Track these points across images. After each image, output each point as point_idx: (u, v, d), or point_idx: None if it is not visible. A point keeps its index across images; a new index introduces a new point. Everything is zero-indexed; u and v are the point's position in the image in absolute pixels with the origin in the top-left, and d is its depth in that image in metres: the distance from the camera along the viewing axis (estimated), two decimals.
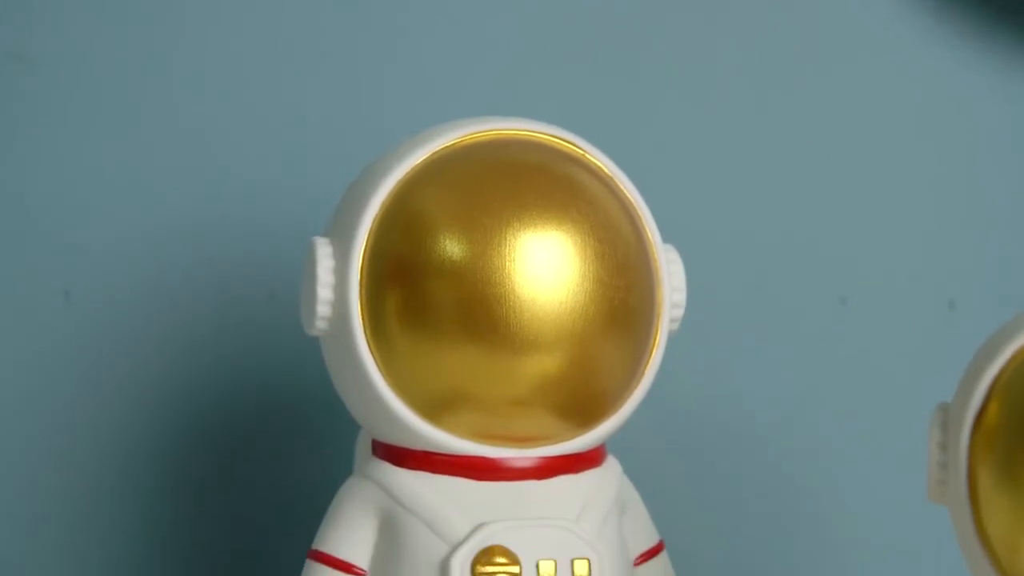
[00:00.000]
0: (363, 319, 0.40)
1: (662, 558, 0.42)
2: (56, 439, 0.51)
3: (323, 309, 0.40)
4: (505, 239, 0.39)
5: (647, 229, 0.41)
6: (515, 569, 0.39)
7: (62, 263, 0.51)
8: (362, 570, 0.40)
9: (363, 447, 0.42)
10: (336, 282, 0.40)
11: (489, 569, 0.39)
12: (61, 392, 0.51)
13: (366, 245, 0.40)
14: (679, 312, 0.42)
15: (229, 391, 0.51)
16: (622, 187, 0.41)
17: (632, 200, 0.41)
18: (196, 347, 0.51)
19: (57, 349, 0.51)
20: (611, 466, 0.42)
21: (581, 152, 0.41)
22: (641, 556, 0.42)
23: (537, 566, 0.39)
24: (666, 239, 0.42)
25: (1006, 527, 0.32)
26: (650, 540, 0.42)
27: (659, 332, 0.41)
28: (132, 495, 0.51)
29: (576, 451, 0.41)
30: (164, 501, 0.51)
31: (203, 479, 0.51)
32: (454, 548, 0.39)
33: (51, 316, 0.51)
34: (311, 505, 0.44)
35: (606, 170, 0.41)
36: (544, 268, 0.39)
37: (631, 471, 0.42)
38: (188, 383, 0.51)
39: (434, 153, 0.40)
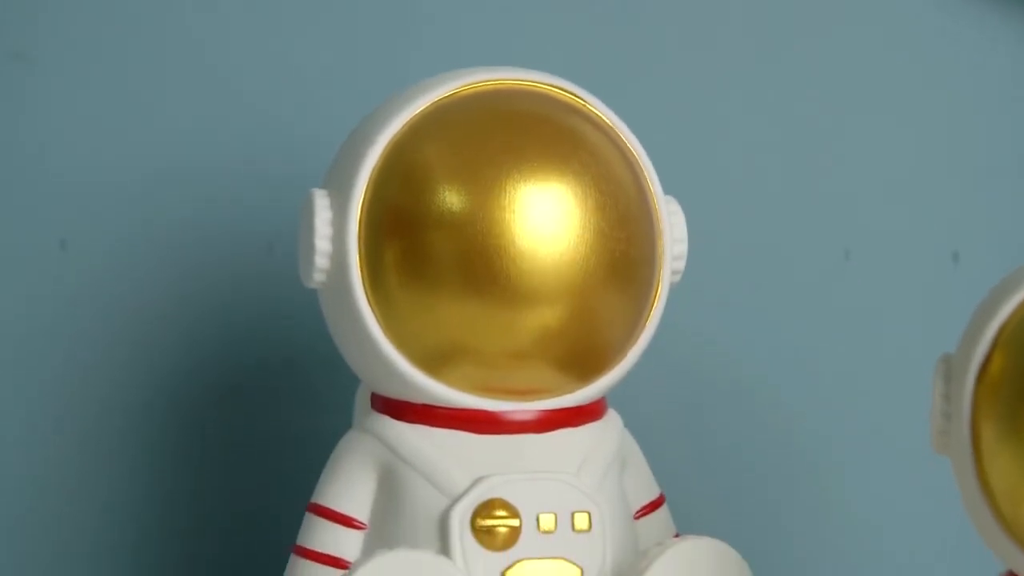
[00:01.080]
0: (362, 271, 0.39)
1: (663, 512, 0.42)
2: (53, 389, 0.51)
3: (321, 261, 0.40)
4: (505, 190, 0.39)
5: (648, 180, 0.41)
6: (515, 522, 0.38)
7: (58, 212, 0.51)
8: (362, 523, 0.40)
9: (362, 400, 0.42)
10: (334, 234, 0.40)
11: (489, 522, 0.38)
12: (57, 343, 0.51)
13: (364, 197, 0.40)
14: (680, 264, 0.42)
15: (227, 344, 0.51)
16: (623, 138, 0.41)
17: (633, 151, 0.41)
18: (193, 299, 0.51)
19: (53, 299, 0.51)
20: (612, 419, 0.42)
21: (582, 102, 0.41)
22: (641, 510, 0.42)
23: (537, 519, 0.39)
24: (667, 190, 0.42)
25: (1009, 478, 0.32)
26: (650, 494, 0.42)
27: (660, 284, 0.41)
28: (130, 448, 0.51)
29: (576, 404, 0.41)
30: (162, 454, 0.51)
31: (202, 432, 0.51)
32: (454, 501, 0.39)
33: (47, 265, 0.51)
34: (310, 459, 0.44)
35: (607, 121, 0.41)
36: (544, 220, 0.39)
37: (632, 425, 0.42)
38: (185, 336, 0.51)
39: (433, 104, 0.40)
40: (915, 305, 0.54)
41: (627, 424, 0.42)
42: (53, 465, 0.51)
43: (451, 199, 0.39)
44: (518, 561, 0.38)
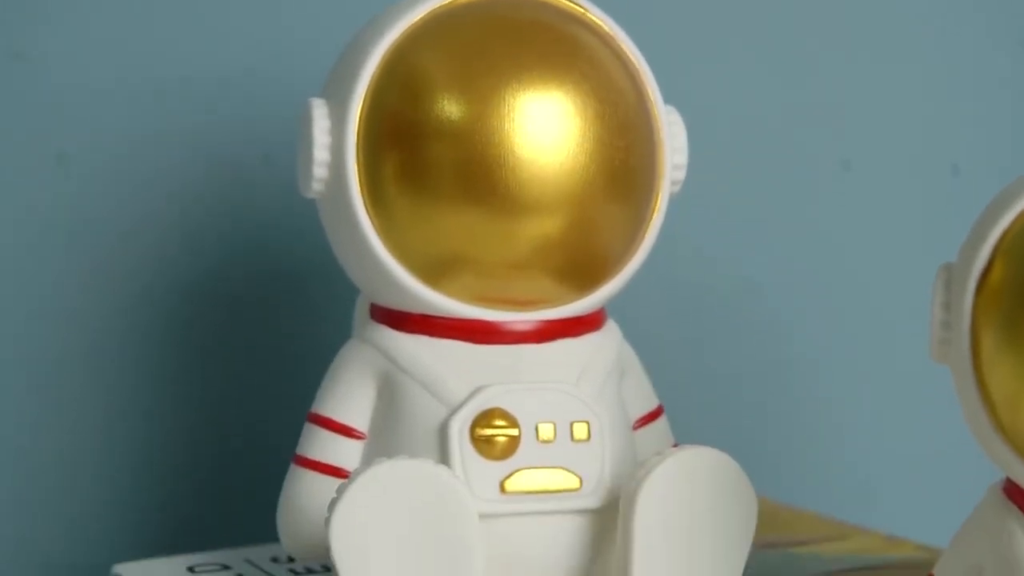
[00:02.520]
0: (360, 181, 0.39)
1: (661, 422, 0.42)
2: (51, 303, 0.51)
3: (319, 171, 0.40)
4: (504, 99, 0.39)
5: (648, 89, 0.41)
6: (514, 432, 0.39)
7: (55, 126, 0.50)
8: (361, 433, 0.40)
9: (361, 311, 0.42)
10: (332, 143, 0.39)
11: (488, 432, 0.38)
12: (55, 256, 0.51)
13: (363, 106, 0.39)
14: (680, 174, 0.42)
15: (225, 256, 0.51)
16: (623, 47, 0.41)
17: (633, 60, 0.41)
18: (189, 211, 0.51)
19: (50, 213, 0.50)
20: (611, 330, 0.42)
21: (582, 10, 0.41)
22: (640, 420, 0.42)
23: (536, 429, 0.39)
24: (667, 100, 0.41)
25: (1008, 387, 0.32)
26: (649, 404, 0.42)
27: (660, 194, 0.41)
28: (128, 361, 0.51)
29: (575, 315, 0.40)
30: (162, 366, 0.51)
31: (201, 344, 0.51)
32: (453, 411, 0.39)
33: (45, 179, 0.50)
34: (310, 369, 0.44)
35: (607, 29, 0.41)
36: (544, 129, 0.39)
37: (631, 335, 0.42)
38: (182, 248, 0.51)
39: (432, 12, 0.40)
40: (915, 217, 0.54)
41: (626, 335, 0.42)
42: (52, 379, 0.51)
43: (450, 108, 0.39)
44: (517, 470, 0.38)
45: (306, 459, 0.40)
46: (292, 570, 0.43)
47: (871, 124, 0.53)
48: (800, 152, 0.53)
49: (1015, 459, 0.32)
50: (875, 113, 0.53)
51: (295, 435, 0.40)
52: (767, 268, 0.53)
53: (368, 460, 0.38)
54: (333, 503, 0.36)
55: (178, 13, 0.51)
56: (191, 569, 0.43)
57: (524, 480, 0.38)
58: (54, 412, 0.51)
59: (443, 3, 0.40)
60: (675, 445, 0.41)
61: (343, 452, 0.40)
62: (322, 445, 0.40)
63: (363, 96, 0.39)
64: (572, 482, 0.39)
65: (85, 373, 0.51)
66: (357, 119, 0.39)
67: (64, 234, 0.51)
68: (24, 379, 0.51)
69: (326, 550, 0.36)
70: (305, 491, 0.40)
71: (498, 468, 0.38)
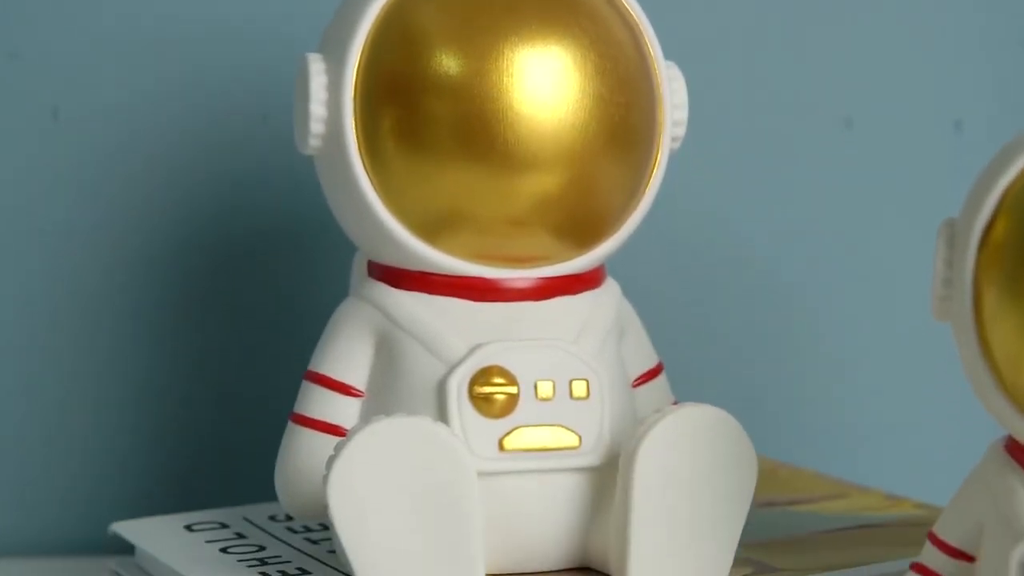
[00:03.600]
0: (357, 137, 0.39)
1: (661, 380, 0.42)
2: (44, 261, 0.50)
3: (316, 127, 0.39)
4: (503, 54, 0.38)
5: (649, 45, 0.40)
6: (513, 389, 0.38)
7: (50, 82, 0.50)
8: (359, 391, 0.40)
9: (359, 268, 0.41)
10: (329, 98, 0.39)
11: (487, 389, 0.38)
12: (52, 213, 0.50)
13: (360, 61, 0.39)
14: (680, 130, 0.41)
15: (223, 214, 0.51)
16: (623, 2, 0.40)
17: (634, 15, 0.40)
18: (187, 170, 0.51)
19: (46, 169, 0.50)
20: (610, 288, 0.41)
21: None
22: (640, 378, 0.42)
23: (535, 386, 0.38)
24: (668, 56, 0.41)
25: (1010, 344, 0.32)
26: (649, 362, 0.42)
27: (660, 151, 0.41)
28: (126, 320, 0.51)
29: (575, 272, 0.40)
30: (159, 324, 0.51)
31: (198, 302, 0.51)
32: (451, 368, 0.38)
33: (40, 135, 0.50)
34: (308, 327, 0.44)
35: None
36: (543, 84, 0.38)
37: (630, 293, 0.42)
38: (180, 206, 0.51)
39: None
40: (917, 174, 0.53)
41: (626, 292, 0.42)
42: (48, 339, 0.51)
43: (448, 63, 0.38)
44: (516, 428, 0.38)
45: (304, 417, 0.40)
46: (290, 528, 0.43)
47: (873, 81, 0.53)
48: (801, 110, 0.53)
49: (1017, 416, 0.32)
50: (877, 70, 0.53)
51: (293, 394, 0.40)
52: (768, 226, 0.53)
53: (366, 418, 0.38)
54: (331, 461, 0.36)
55: None
56: (189, 527, 0.43)
57: (523, 438, 0.38)
58: (50, 372, 0.51)
59: None
60: (675, 403, 0.41)
61: (341, 410, 0.40)
62: (320, 403, 0.40)
63: (360, 51, 0.39)
64: (571, 440, 0.38)
65: (81, 333, 0.51)
66: (354, 75, 0.39)
67: (59, 194, 0.50)
68: (20, 339, 0.50)
69: (324, 508, 0.36)
70: (303, 449, 0.40)
71: (497, 426, 0.38)
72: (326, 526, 0.43)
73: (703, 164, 0.52)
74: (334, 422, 0.40)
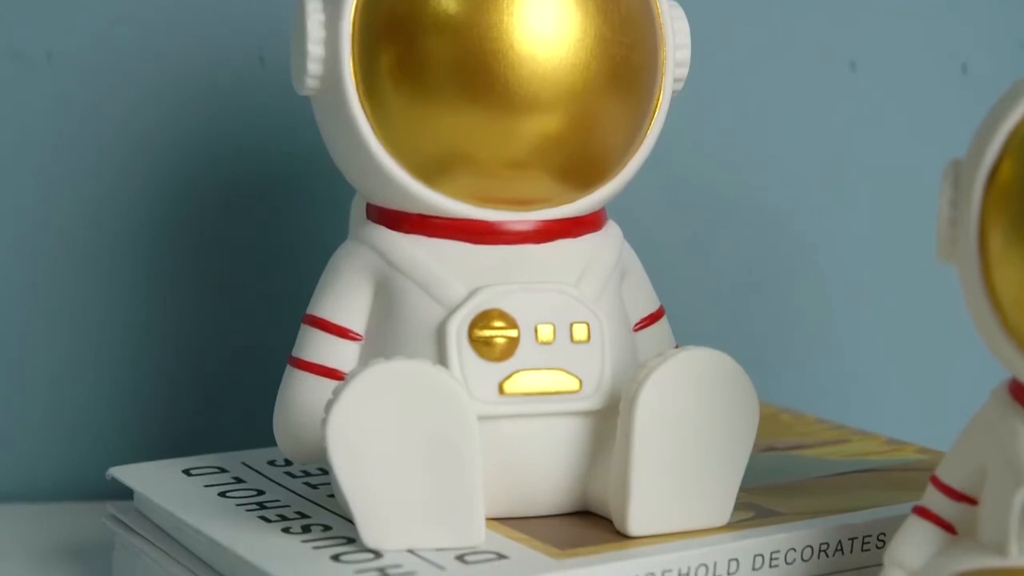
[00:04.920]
0: (355, 77, 0.38)
1: (662, 323, 0.42)
2: (41, 204, 0.50)
3: (314, 67, 0.39)
4: None
5: None
6: (513, 333, 0.38)
7: (45, 25, 0.50)
8: (358, 334, 0.39)
9: (358, 211, 0.41)
10: (327, 38, 0.39)
11: (487, 333, 0.38)
12: (48, 157, 0.50)
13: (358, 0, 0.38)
14: (683, 72, 0.41)
15: (221, 157, 0.51)
16: None
17: None
18: (183, 113, 0.50)
19: (40, 112, 0.50)
20: (612, 231, 0.41)
21: None
22: (641, 322, 0.41)
23: (535, 330, 0.38)
24: None
25: (1015, 285, 0.31)
26: (650, 306, 0.42)
27: (662, 92, 0.40)
28: (124, 262, 0.51)
29: (576, 214, 0.40)
30: (158, 267, 0.51)
31: (196, 246, 0.51)
32: (451, 312, 0.38)
33: (34, 77, 0.50)
34: (306, 270, 0.44)
35: None
36: (544, 23, 0.38)
37: (632, 237, 0.42)
38: (177, 150, 0.50)
39: None
40: (923, 117, 0.53)
41: (627, 236, 0.41)
42: (46, 286, 0.50)
43: (447, 1, 0.38)
44: (516, 372, 0.38)
45: (302, 361, 0.40)
46: (289, 473, 0.43)
47: (878, 24, 0.53)
48: (806, 53, 0.52)
49: (1021, 357, 0.32)
50: (882, 13, 0.53)
51: (292, 338, 0.40)
52: (772, 170, 0.53)
53: (365, 362, 0.38)
54: (329, 404, 0.36)
55: None
56: (187, 472, 0.43)
57: (523, 382, 0.38)
58: (50, 318, 0.50)
59: None
60: (676, 347, 0.41)
61: (340, 354, 0.39)
62: (318, 347, 0.39)
63: None
64: (572, 384, 0.38)
65: (79, 280, 0.50)
66: (352, 12, 0.38)
67: (55, 135, 0.50)
68: (18, 286, 0.50)
69: (322, 452, 0.36)
70: (301, 393, 0.39)
71: (497, 369, 0.38)
72: (325, 471, 0.42)
73: (706, 106, 0.51)
74: (332, 366, 0.39)
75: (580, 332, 0.38)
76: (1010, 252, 0.31)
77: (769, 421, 0.47)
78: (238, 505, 0.40)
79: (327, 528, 0.38)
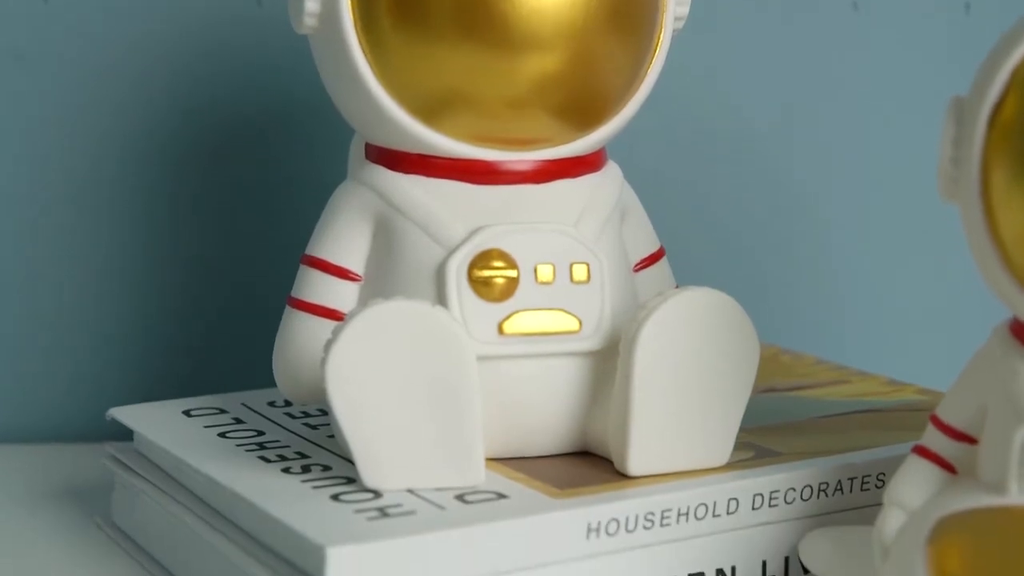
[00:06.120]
0: (353, 14, 0.38)
1: (662, 264, 0.42)
2: (38, 147, 0.50)
3: (311, 4, 0.38)
4: None
5: None
6: (512, 273, 0.38)
7: None
8: (357, 275, 0.39)
9: (357, 151, 0.41)
10: None
11: (486, 273, 0.38)
12: (46, 93, 0.50)
13: None
14: (684, 10, 0.41)
15: (219, 98, 0.50)
16: None
17: None
18: (180, 54, 0.50)
19: (38, 49, 0.50)
20: (612, 171, 0.41)
21: None
22: (641, 262, 0.41)
23: (535, 270, 0.38)
24: None
25: (1018, 223, 0.31)
26: (650, 246, 0.42)
27: (663, 31, 0.40)
28: (125, 202, 0.50)
29: (576, 154, 0.40)
30: (156, 213, 0.51)
31: (194, 188, 0.51)
32: (450, 252, 0.38)
33: (32, 16, 0.49)
34: (304, 210, 0.43)
35: None
36: None
37: (632, 177, 0.42)
38: (175, 90, 0.50)
39: None
40: (925, 58, 0.53)
41: (627, 176, 0.41)
42: (45, 229, 0.50)
43: None
44: (515, 312, 0.38)
45: (301, 301, 0.39)
46: (289, 414, 0.43)
47: None
48: None
49: (1022, 296, 0.32)
50: None
51: (291, 278, 0.40)
52: (773, 111, 0.53)
53: (364, 302, 0.37)
54: (328, 345, 0.36)
55: None
56: (187, 413, 0.42)
57: (523, 322, 0.38)
58: (48, 261, 0.50)
59: None
60: (676, 287, 0.40)
61: (339, 294, 0.39)
62: (317, 287, 0.39)
63: None
64: (571, 324, 0.38)
65: (78, 222, 0.50)
66: None
67: (48, 80, 0.50)
68: (18, 229, 0.50)
69: (322, 392, 0.36)
70: (300, 333, 0.39)
71: (496, 310, 0.38)
72: (325, 411, 0.42)
73: (707, 46, 0.51)
74: (332, 306, 0.39)
75: (580, 272, 0.38)
76: (1013, 190, 0.31)
77: (769, 362, 0.46)
78: (238, 445, 0.40)
79: (327, 468, 0.38)
